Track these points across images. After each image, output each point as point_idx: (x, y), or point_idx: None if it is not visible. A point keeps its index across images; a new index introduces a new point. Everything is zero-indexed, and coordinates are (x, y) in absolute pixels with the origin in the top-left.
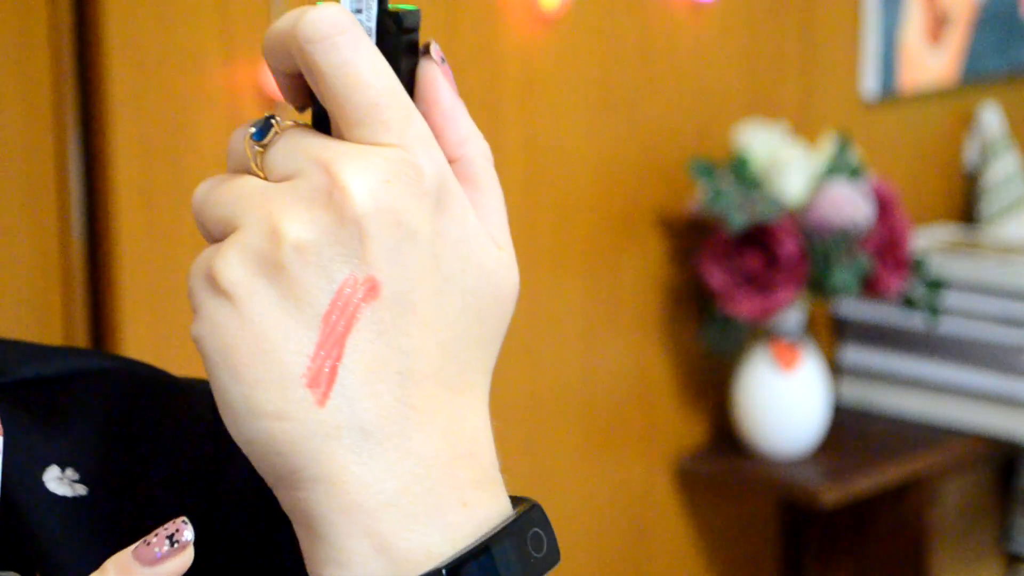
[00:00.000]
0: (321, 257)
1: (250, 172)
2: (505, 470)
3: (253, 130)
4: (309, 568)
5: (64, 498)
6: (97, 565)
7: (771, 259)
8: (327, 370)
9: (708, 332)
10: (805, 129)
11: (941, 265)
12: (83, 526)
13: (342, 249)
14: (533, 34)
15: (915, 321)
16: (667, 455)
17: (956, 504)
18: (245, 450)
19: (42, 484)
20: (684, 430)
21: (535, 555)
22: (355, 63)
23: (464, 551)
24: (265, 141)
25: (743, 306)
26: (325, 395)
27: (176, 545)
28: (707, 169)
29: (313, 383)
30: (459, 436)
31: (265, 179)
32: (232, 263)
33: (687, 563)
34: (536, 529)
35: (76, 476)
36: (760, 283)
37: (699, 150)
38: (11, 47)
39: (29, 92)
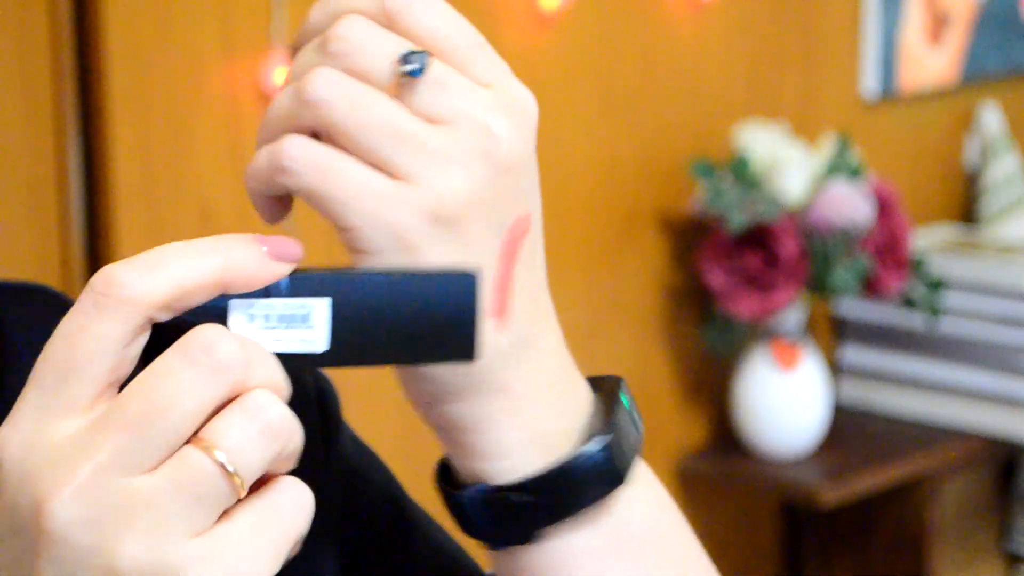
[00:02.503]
0: (491, 208)
1: (382, 88)
2: None
3: (408, 62)
4: (467, 463)
5: None
6: None
7: (771, 259)
8: (505, 301)
9: (708, 332)
10: (805, 129)
11: (941, 265)
12: None
13: (507, 195)
14: (533, 34)
15: (915, 321)
16: (667, 455)
17: (956, 504)
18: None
19: None
20: (684, 430)
21: (636, 412)
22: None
23: (604, 426)
24: (419, 78)
25: (743, 306)
26: (505, 322)
27: None
28: (707, 169)
29: (497, 314)
30: (558, 327)
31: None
32: (413, 218)
33: None
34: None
35: None
36: (760, 283)
37: (699, 150)
38: (11, 47)
39: (29, 92)
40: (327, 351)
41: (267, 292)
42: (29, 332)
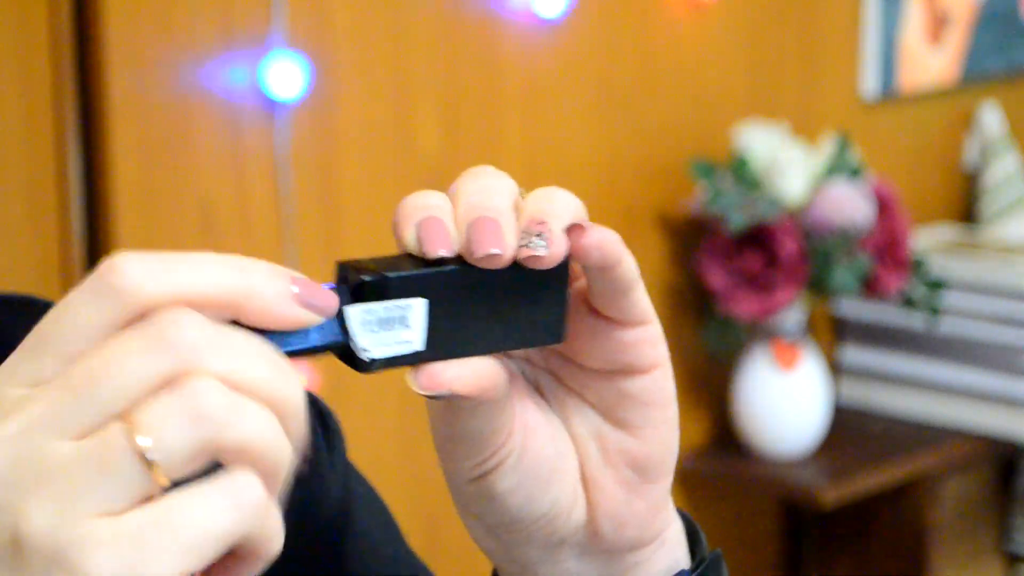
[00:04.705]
0: None
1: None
2: None
3: None
4: None
5: None
6: None
7: (771, 259)
8: None
9: (708, 332)
10: (805, 129)
11: (941, 265)
12: None
13: None
14: (533, 34)
15: (915, 321)
16: None
17: (956, 504)
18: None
19: None
20: (684, 430)
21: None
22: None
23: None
24: None
25: (743, 306)
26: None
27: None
28: (707, 169)
29: None
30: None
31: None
32: None
33: None
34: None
35: None
36: (760, 283)
37: (699, 150)
38: (11, 47)
39: (29, 92)
40: (423, 350)
41: (363, 296)
42: None
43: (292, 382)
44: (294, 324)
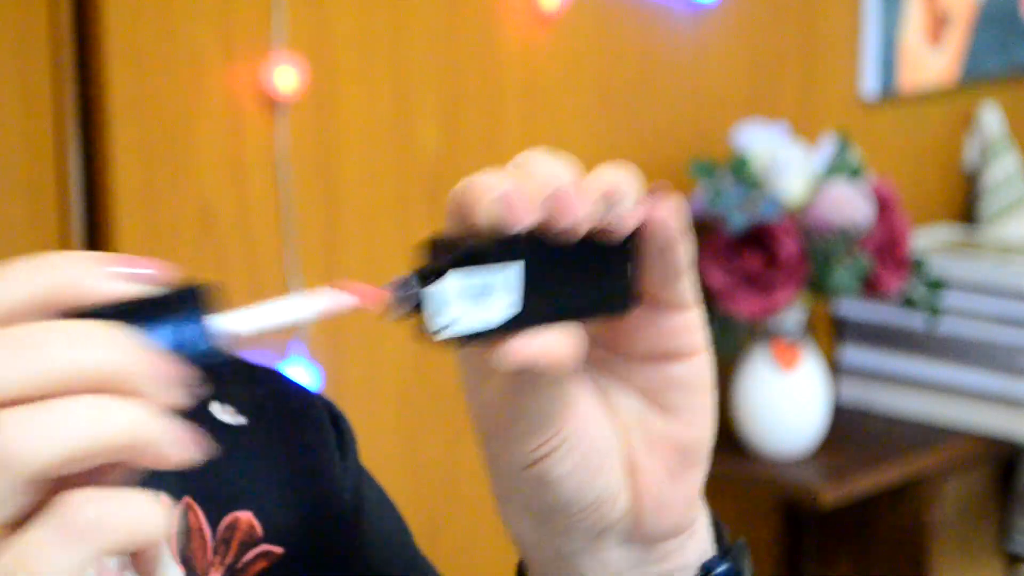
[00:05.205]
0: None
1: None
2: None
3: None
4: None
5: (228, 424)
6: (253, 482)
7: (771, 259)
8: None
9: (708, 332)
10: (805, 129)
11: (941, 265)
12: (242, 449)
13: None
14: (533, 34)
15: (915, 321)
16: None
17: (956, 504)
18: None
19: (209, 412)
20: None
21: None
22: None
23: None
24: None
25: (743, 306)
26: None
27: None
28: (707, 169)
29: None
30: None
31: None
32: None
33: None
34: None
35: (233, 410)
36: (760, 283)
37: (699, 150)
38: (11, 47)
39: (29, 92)
40: (520, 314)
41: (465, 261)
42: None
43: (90, 338)
44: (119, 296)
